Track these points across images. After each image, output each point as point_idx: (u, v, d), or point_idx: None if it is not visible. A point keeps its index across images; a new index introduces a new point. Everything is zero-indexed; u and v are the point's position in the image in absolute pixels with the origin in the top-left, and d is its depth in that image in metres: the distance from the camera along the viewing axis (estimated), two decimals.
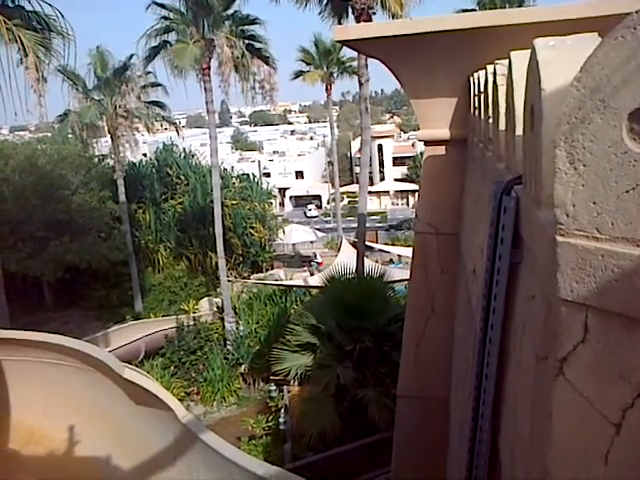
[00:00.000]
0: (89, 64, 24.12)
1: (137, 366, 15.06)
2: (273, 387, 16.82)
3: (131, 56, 24.23)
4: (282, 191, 61.28)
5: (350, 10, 18.57)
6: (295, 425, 14.39)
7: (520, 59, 2.67)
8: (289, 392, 16.09)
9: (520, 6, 20.33)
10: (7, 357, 8.08)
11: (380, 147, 63.25)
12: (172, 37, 20.54)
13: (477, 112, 5.08)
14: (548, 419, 1.79)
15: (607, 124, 1.53)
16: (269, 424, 15.77)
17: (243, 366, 19.78)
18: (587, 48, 1.56)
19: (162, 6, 20.18)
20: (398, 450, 7.96)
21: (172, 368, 19.66)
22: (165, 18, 20.27)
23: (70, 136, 28.66)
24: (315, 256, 35.20)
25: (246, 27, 20.66)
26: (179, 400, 11.94)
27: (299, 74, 33.01)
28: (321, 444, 12.42)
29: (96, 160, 30.40)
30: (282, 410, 15.63)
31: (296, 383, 14.76)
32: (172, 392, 15.14)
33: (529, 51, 2.12)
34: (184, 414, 7.24)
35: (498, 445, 3.08)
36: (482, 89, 4.60)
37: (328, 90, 34.56)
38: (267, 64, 20.78)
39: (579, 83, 1.55)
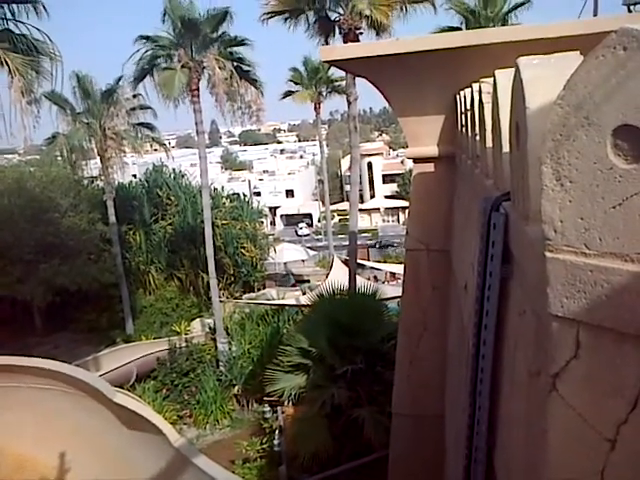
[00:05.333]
0: (73, 87, 24.18)
1: (129, 390, 14.89)
2: (267, 408, 16.64)
3: (119, 79, 24.31)
4: (273, 210, 61.37)
5: (337, 30, 18.81)
6: (290, 446, 14.21)
7: (505, 77, 2.70)
8: (283, 413, 15.92)
9: (504, 24, 20.66)
10: None
11: (370, 165, 63.63)
12: (160, 59, 20.68)
13: (464, 129, 5.13)
14: (543, 435, 1.78)
15: (591, 140, 1.54)
16: (263, 446, 15.54)
17: (236, 387, 19.57)
18: (570, 66, 1.59)
19: (148, 38, 20.35)
20: (394, 468, 7.89)
21: (164, 391, 19.42)
22: (153, 41, 20.41)
23: (59, 159, 28.59)
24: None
25: (234, 49, 20.84)
26: (172, 423, 11.79)
27: (288, 94, 33.26)
28: (317, 465, 12.27)
29: (85, 182, 30.28)
30: (276, 431, 15.45)
31: (290, 404, 14.60)
32: (164, 415, 14.94)
33: (513, 69, 2.15)
34: (176, 438, 7.15)
35: (494, 462, 3.06)
36: (469, 107, 4.65)
37: (317, 109, 34.81)
38: (254, 86, 20.93)
39: (563, 101, 1.58)
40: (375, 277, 31.99)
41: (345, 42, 17.64)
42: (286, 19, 19.48)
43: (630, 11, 13.00)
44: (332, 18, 19.08)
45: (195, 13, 20.12)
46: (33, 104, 15.19)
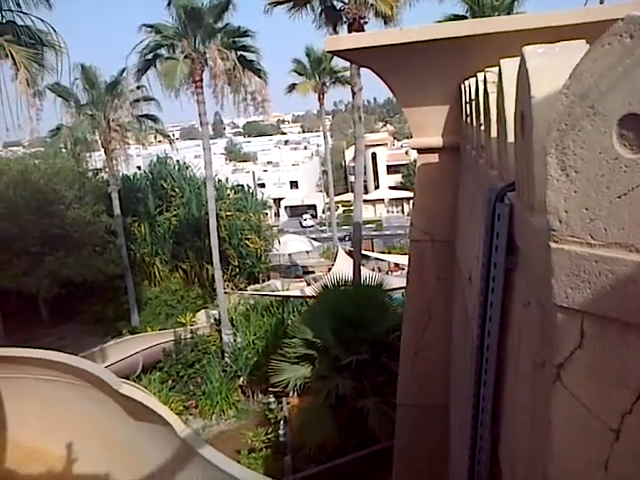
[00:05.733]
0: (76, 79, 24.17)
1: (135, 380, 14.97)
2: (272, 399, 16.72)
3: (123, 70, 24.30)
4: (277, 201, 61.32)
5: (343, 19, 18.68)
6: (295, 437, 14.30)
7: (510, 66, 2.68)
8: (288, 403, 15.99)
9: (509, 13, 20.49)
10: (2, 374, 8.01)
11: (374, 155, 63.41)
12: (163, 50, 20.65)
13: (469, 119, 5.10)
14: (547, 426, 1.78)
15: (597, 130, 1.53)
16: (269, 436, 15.64)
17: (241, 378, 19.66)
18: (575, 55, 1.57)
19: (151, 26, 20.30)
20: (399, 458, 7.93)
21: (170, 382, 19.53)
22: (157, 31, 20.36)
23: (63, 151, 28.63)
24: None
25: (238, 39, 20.75)
26: (177, 414, 11.87)
27: (292, 87, 33.18)
28: (322, 455, 12.33)
29: (90, 174, 30.34)
30: (282, 422, 15.53)
31: (295, 394, 14.67)
32: (170, 406, 15.04)
33: (518, 58, 2.13)
34: (182, 429, 7.19)
35: (498, 452, 3.07)
36: (473, 97, 4.62)
37: (321, 100, 34.70)
38: (258, 77, 20.84)
39: (568, 90, 1.56)
40: (379, 268, 31.97)
41: (350, 32, 17.51)
42: (290, 8, 19.37)
43: None
44: (337, 7, 18.96)
45: (198, 2, 20.07)
46: (37, 96, 15.22)
